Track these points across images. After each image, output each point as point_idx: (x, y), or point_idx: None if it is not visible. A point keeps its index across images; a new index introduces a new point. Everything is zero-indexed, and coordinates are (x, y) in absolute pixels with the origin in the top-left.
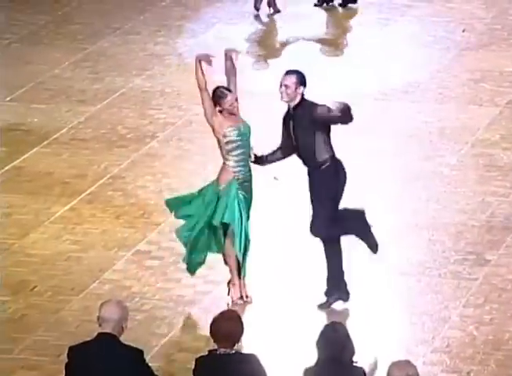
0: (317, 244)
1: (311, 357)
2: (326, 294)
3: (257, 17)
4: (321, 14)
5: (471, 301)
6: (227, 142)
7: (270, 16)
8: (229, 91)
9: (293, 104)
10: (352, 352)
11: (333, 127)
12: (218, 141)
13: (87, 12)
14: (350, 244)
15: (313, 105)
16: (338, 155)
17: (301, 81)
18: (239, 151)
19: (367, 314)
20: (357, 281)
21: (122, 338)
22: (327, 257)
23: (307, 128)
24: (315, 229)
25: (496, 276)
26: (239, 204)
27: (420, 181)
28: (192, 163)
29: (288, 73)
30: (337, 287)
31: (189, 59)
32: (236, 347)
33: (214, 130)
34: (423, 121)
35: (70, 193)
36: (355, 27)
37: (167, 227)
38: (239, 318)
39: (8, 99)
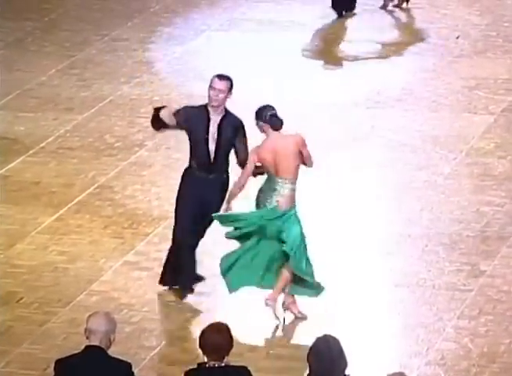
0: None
1: (303, 370)
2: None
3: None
4: (313, 22)
5: (466, 313)
6: None
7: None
8: None
9: (219, 111)
10: (345, 366)
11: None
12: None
13: (74, 18)
14: (342, 256)
15: (236, 120)
16: (331, 164)
17: (232, 87)
18: None
19: (360, 326)
20: (350, 292)
21: (110, 351)
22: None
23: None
24: None
25: (491, 288)
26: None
27: (414, 190)
28: (182, 172)
29: (221, 77)
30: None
31: (178, 66)
32: (225, 360)
33: None
34: (417, 129)
35: (57, 202)
36: (347, 35)
37: (155, 238)
38: (229, 330)
39: None
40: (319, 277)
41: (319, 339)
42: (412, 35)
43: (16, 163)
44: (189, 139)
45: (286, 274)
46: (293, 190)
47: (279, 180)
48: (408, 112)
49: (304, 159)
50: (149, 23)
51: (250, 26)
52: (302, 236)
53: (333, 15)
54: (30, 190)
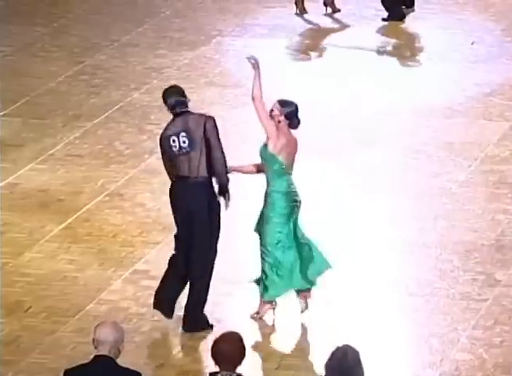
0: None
1: None
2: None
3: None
4: (325, 27)
5: (481, 323)
6: None
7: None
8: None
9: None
10: None
11: None
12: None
13: (84, 24)
14: (355, 264)
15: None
16: (344, 170)
17: None
18: None
19: (374, 335)
20: (363, 301)
21: (119, 361)
22: None
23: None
24: None
25: (507, 297)
26: None
27: (428, 198)
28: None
29: None
30: None
31: (188, 72)
32: (237, 370)
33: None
34: (431, 136)
35: (66, 210)
36: (359, 40)
37: (165, 246)
38: (241, 340)
39: (2, 113)
40: (330, 286)
41: (338, 349)
42: (426, 41)
43: (24, 170)
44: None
45: None
46: None
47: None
48: (422, 118)
49: None
50: (159, 29)
51: (261, 31)
52: None
53: (343, 20)
54: (39, 198)
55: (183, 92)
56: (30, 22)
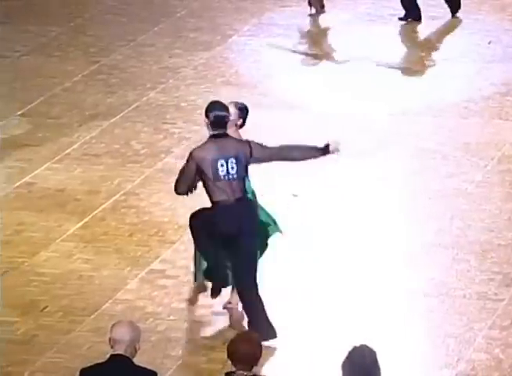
0: (340, 264)
1: None
2: None
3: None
4: (340, 27)
5: (497, 323)
6: None
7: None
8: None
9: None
10: None
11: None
12: None
13: (100, 23)
14: (371, 265)
15: None
16: (359, 172)
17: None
18: None
19: (389, 336)
20: (379, 302)
21: (135, 360)
22: None
23: None
24: None
25: None
26: None
27: (444, 198)
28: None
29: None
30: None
31: (204, 71)
32: (253, 369)
33: None
34: (447, 136)
35: (82, 210)
36: (378, 40)
37: (181, 245)
38: (258, 340)
39: (19, 113)
40: (346, 286)
41: (355, 348)
42: (442, 41)
43: (40, 170)
44: None
45: None
46: None
47: None
48: (438, 118)
49: None
50: (175, 29)
51: (277, 31)
52: None
53: (359, 20)
54: (55, 197)
55: (227, 108)
56: (46, 22)
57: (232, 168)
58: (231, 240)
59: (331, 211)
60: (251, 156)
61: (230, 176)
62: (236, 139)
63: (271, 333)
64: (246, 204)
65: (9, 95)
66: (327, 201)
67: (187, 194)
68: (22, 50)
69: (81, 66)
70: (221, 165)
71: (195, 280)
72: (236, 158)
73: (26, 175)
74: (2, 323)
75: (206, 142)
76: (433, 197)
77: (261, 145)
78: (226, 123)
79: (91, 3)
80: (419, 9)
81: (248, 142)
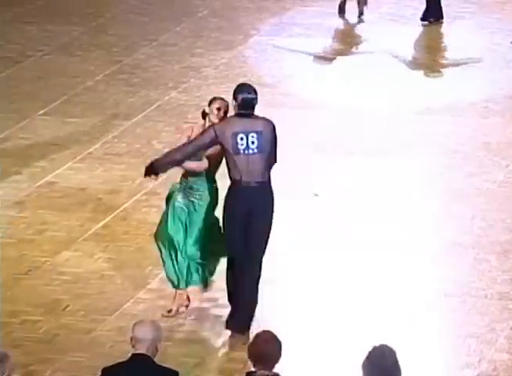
0: (361, 263)
1: None
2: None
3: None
4: (362, 27)
5: None
6: None
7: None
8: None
9: None
10: None
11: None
12: None
13: (122, 23)
14: (391, 264)
15: None
16: (382, 171)
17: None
18: None
19: (410, 336)
20: (399, 301)
21: (156, 359)
22: None
23: None
24: None
25: None
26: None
27: (465, 198)
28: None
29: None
30: None
31: (226, 71)
32: (274, 369)
33: None
34: (468, 135)
35: (104, 209)
36: (399, 41)
37: None
38: (278, 339)
39: (41, 112)
40: (367, 286)
41: (375, 348)
42: (464, 40)
43: (62, 169)
44: None
45: None
46: None
47: None
48: (459, 118)
49: None
50: (196, 28)
51: (298, 30)
52: None
53: (381, 19)
54: (77, 197)
55: (256, 90)
56: (69, 21)
57: (253, 142)
58: (244, 221)
59: (352, 210)
60: (274, 136)
61: (250, 150)
62: (262, 117)
63: (242, 328)
64: (261, 187)
65: (32, 94)
66: (348, 201)
67: (172, 165)
68: (45, 49)
69: (103, 66)
70: (241, 139)
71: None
72: (257, 132)
73: (48, 175)
74: (25, 321)
75: (229, 117)
76: (454, 197)
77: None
78: (254, 105)
79: (113, 3)
80: (441, 8)
81: (273, 124)
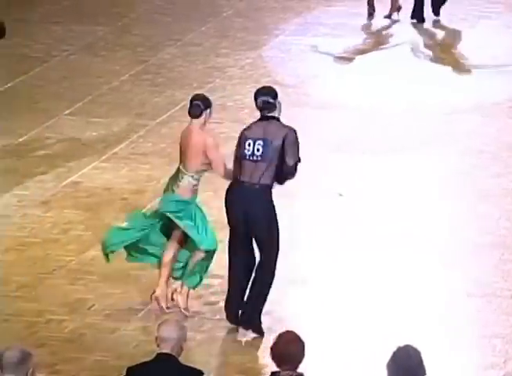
0: (385, 263)
1: None
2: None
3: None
4: (387, 26)
5: None
6: None
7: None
8: None
9: None
10: None
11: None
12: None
13: (146, 23)
14: (416, 264)
15: None
16: (407, 170)
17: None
18: None
19: (435, 336)
20: (423, 302)
21: (181, 359)
22: None
23: None
24: None
25: None
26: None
27: (491, 198)
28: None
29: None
30: None
31: (251, 71)
32: (298, 369)
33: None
34: (495, 136)
35: (129, 209)
36: (426, 41)
37: (227, 244)
38: (301, 340)
39: (66, 112)
40: (391, 286)
41: (399, 349)
42: (490, 40)
43: (88, 169)
44: None
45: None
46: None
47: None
48: (485, 118)
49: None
50: (221, 28)
51: (323, 30)
52: None
53: (407, 20)
54: (102, 196)
55: (275, 93)
56: (94, 21)
57: (258, 149)
58: (244, 223)
59: (376, 209)
60: (283, 143)
61: (254, 157)
62: (279, 123)
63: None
64: (259, 190)
65: (58, 94)
66: (372, 200)
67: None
68: (70, 49)
69: (128, 66)
70: (249, 144)
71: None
72: (264, 140)
73: (73, 174)
74: (50, 321)
75: (253, 122)
76: (480, 197)
77: (296, 146)
78: (271, 108)
79: (138, 3)
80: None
81: (287, 131)
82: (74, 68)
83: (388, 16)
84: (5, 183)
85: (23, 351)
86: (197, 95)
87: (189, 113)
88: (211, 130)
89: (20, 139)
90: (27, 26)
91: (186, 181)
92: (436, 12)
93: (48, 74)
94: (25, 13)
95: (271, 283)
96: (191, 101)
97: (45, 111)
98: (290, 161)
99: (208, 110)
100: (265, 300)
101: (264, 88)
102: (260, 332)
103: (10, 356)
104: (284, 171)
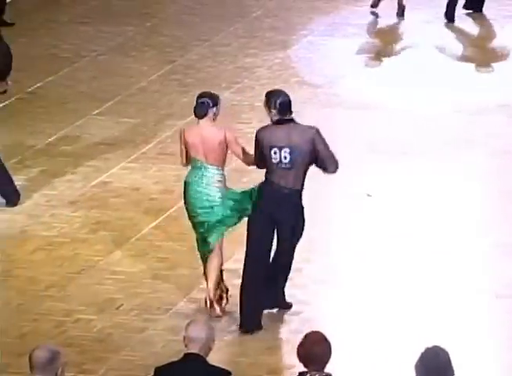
0: (414, 264)
1: None
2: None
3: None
4: (416, 27)
5: None
6: None
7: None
8: None
9: None
10: None
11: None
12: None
13: (175, 23)
14: (443, 266)
15: None
16: (433, 172)
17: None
18: None
19: (463, 338)
20: (452, 303)
21: (209, 359)
22: None
23: None
24: None
25: None
26: None
27: None
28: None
29: None
30: None
31: (279, 71)
32: (325, 369)
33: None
34: None
35: (157, 209)
36: (452, 40)
37: None
38: (327, 340)
39: (95, 112)
40: (420, 286)
41: (428, 349)
42: None
43: (116, 169)
44: None
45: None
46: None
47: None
48: (510, 119)
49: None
50: (250, 28)
51: (351, 30)
52: None
53: (434, 20)
54: (130, 196)
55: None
56: (123, 22)
57: (285, 157)
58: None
59: (406, 210)
60: (314, 146)
61: (283, 165)
62: (300, 126)
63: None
64: (288, 195)
65: (87, 94)
66: (402, 201)
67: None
68: (99, 50)
69: (157, 66)
70: (275, 153)
71: None
72: (291, 147)
73: (102, 174)
74: (78, 320)
75: (269, 126)
76: (506, 199)
77: (324, 142)
78: (291, 108)
79: (166, 3)
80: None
81: (313, 133)
82: (103, 68)
83: (401, 14)
84: (34, 183)
85: (52, 350)
86: (204, 92)
87: (195, 113)
88: (223, 123)
89: (50, 139)
90: (55, 26)
91: (213, 174)
92: (479, 8)
93: (77, 75)
94: (54, 14)
95: (290, 265)
96: (197, 99)
97: (74, 111)
98: (331, 168)
99: (215, 108)
100: (285, 280)
101: (275, 90)
102: (287, 307)
103: (39, 356)
104: (328, 173)
